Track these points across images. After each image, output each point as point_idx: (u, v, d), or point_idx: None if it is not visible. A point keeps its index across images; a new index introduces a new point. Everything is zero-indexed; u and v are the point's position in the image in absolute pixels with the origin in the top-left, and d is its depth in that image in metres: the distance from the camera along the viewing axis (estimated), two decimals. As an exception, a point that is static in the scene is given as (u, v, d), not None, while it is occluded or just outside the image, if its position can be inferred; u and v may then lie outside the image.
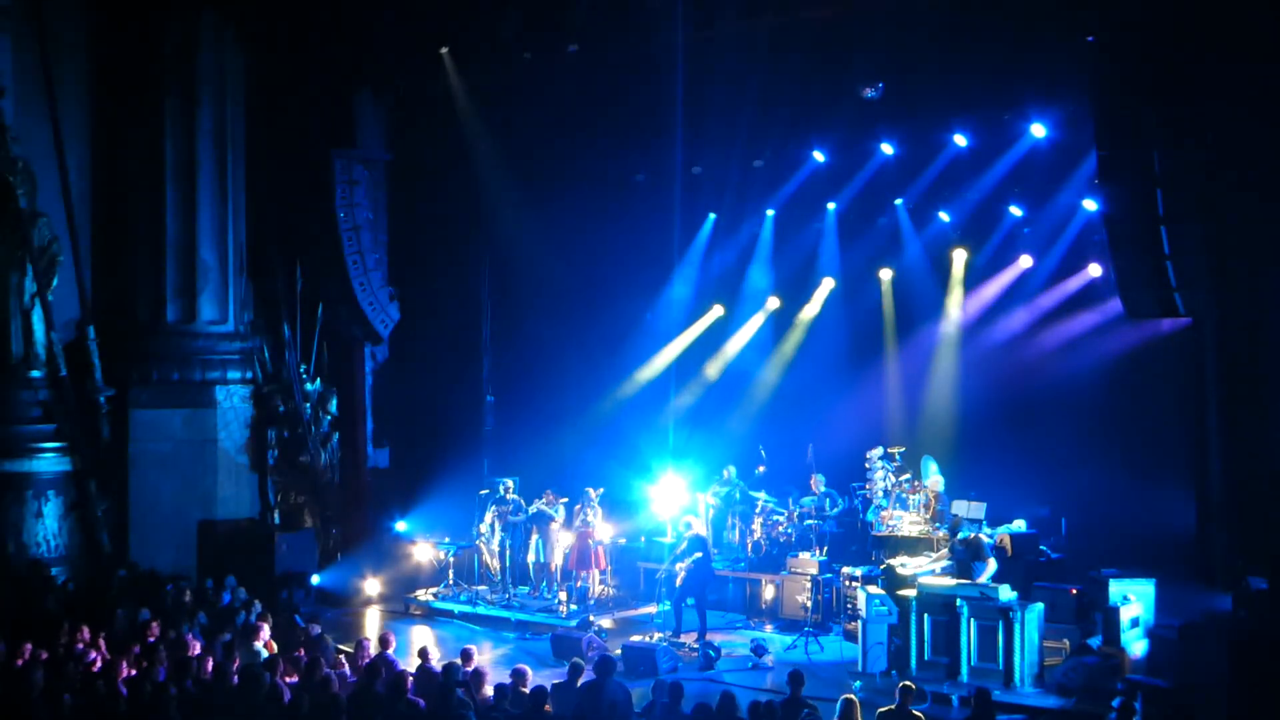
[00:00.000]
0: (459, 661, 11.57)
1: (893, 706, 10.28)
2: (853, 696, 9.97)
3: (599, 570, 17.81)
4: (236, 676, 11.41)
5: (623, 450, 20.04)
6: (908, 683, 10.60)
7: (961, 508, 16.19)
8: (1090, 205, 16.51)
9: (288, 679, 11.54)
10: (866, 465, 17.48)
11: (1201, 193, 13.72)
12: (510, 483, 18.45)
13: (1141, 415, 16.52)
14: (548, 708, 10.46)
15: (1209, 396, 15.14)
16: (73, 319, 18.52)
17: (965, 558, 14.19)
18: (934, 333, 19.10)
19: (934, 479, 16.87)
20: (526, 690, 10.79)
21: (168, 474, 18.71)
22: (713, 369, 21.14)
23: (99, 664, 12.43)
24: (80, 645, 12.95)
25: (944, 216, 18.75)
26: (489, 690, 11.08)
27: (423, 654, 12.15)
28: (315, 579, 18.85)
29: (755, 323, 20.89)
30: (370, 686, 10.88)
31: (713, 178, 19.86)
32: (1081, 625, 14.03)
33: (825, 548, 17.02)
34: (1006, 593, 13.35)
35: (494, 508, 18.29)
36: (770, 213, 20.23)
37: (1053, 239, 17.75)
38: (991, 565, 13.98)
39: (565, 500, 17.87)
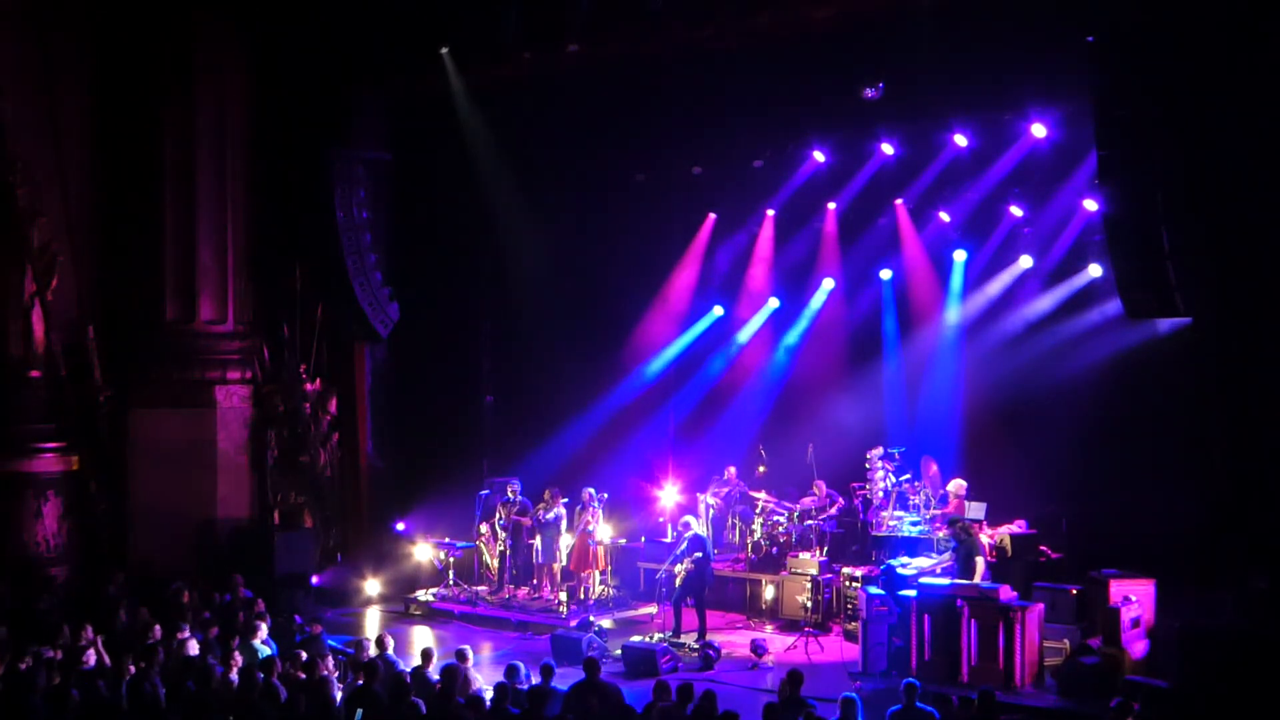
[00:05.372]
0: (460, 663, 11.59)
1: (900, 708, 10.30)
2: (853, 696, 9.97)
3: (598, 571, 17.80)
4: (236, 676, 11.42)
5: (623, 450, 20.03)
6: (911, 681, 10.60)
7: (966, 509, 16.17)
8: (1090, 205, 16.50)
9: (286, 679, 11.52)
10: (866, 465, 17.46)
11: (1201, 193, 13.70)
12: (516, 485, 18.46)
13: (1141, 415, 16.48)
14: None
15: (1209, 396, 15.12)
16: (73, 319, 18.53)
17: (962, 558, 14.20)
18: (934, 333, 19.08)
19: (956, 484, 16.71)
20: (524, 689, 10.80)
21: (168, 474, 18.69)
22: (711, 369, 21.12)
23: (101, 664, 12.43)
24: (83, 645, 12.95)
25: (944, 216, 18.73)
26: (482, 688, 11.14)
27: (425, 655, 12.13)
28: (315, 579, 18.85)
29: (755, 323, 20.87)
30: (368, 687, 10.88)
31: (713, 178, 19.85)
32: (1081, 625, 14.03)
33: (825, 548, 17.02)
34: (1006, 593, 13.35)
35: (502, 508, 18.29)
36: (770, 213, 20.22)
37: (1053, 239, 17.73)
38: (979, 565, 14.01)
39: (565, 500, 17.86)
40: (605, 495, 17.81)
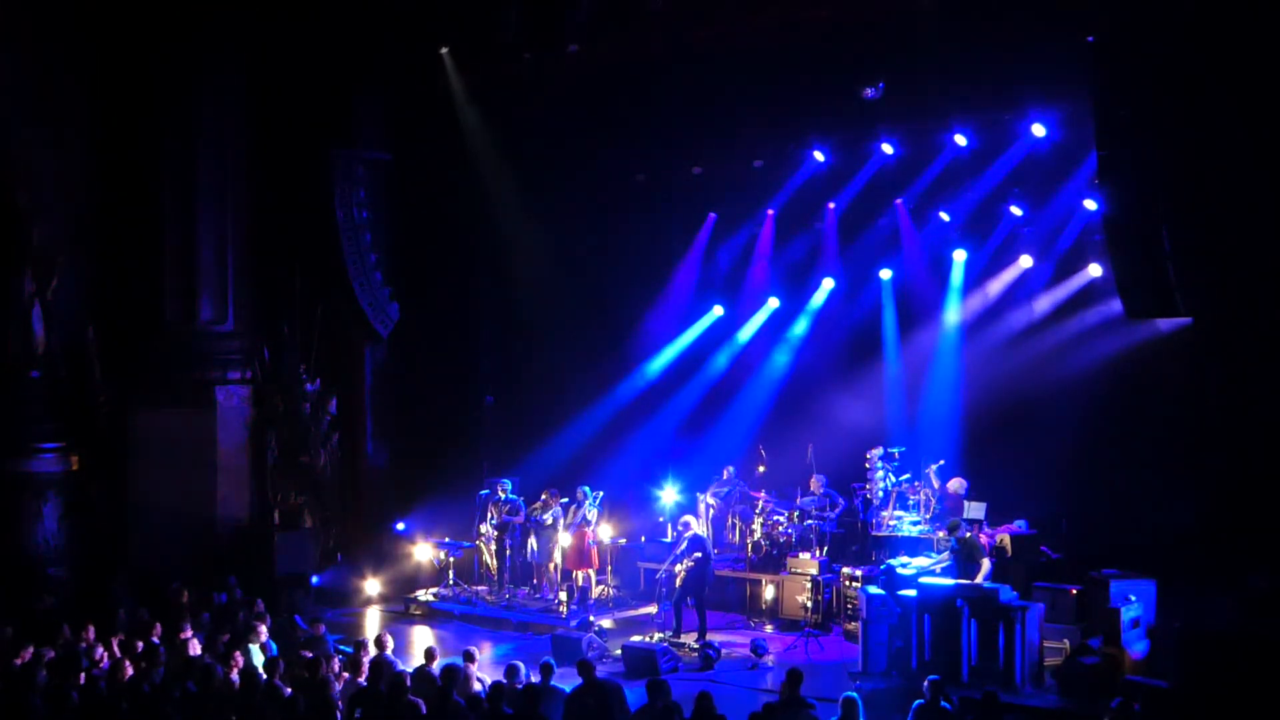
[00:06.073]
0: (460, 663, 11.60)
1: (925, 701, 10.33)
2: (854, 696, 9.96)
3: (594, 570, 17.78)
4: (237, 677, 11.43)
5: (622, 450, 20.02)
6: (935, 678, 10.61)
7: (965, 509, 16.17)
8: (1090, 205, 16.50)
9: (287, 680, 11.53)
10: (866, 465, 17.46)
11: (1201, 193, 13.70)
12: (508, 484, 18.49)
13: (1141, 415, 16.49)
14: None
15: (1209, 396, 15.13)
16: (73, 319, 18.53)
17: (962, 559, 14.18)
18: (934, 333, 19.07)
19: (956, 482, 16.72)
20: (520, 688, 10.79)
21: (168, 474, 18.69)
22: (711, 369, 21.12)
23: (101, 664, 12.44)
24: (83, 645, 12.96)
25: (944, 216, 18.73)
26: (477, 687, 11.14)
27: (428, 654, 12.13)
28: (315, 579, 18.85)
29: (755, 323, 20.88)
30: (373, 687, 10.88)
31: (713, 178, 19.86)
32: (1081, 625, 14.02)
33: (825, 548, 17.02)
34: (1006, 593, 13.35)
35: (493, 507, 18.31)
36: (770, 213, 20.22)
37: (1053, 239, 17.73)
38: (985, 566, 13.98)
39: (564, 500, 17.85)
40: (601, 493, 17.78)
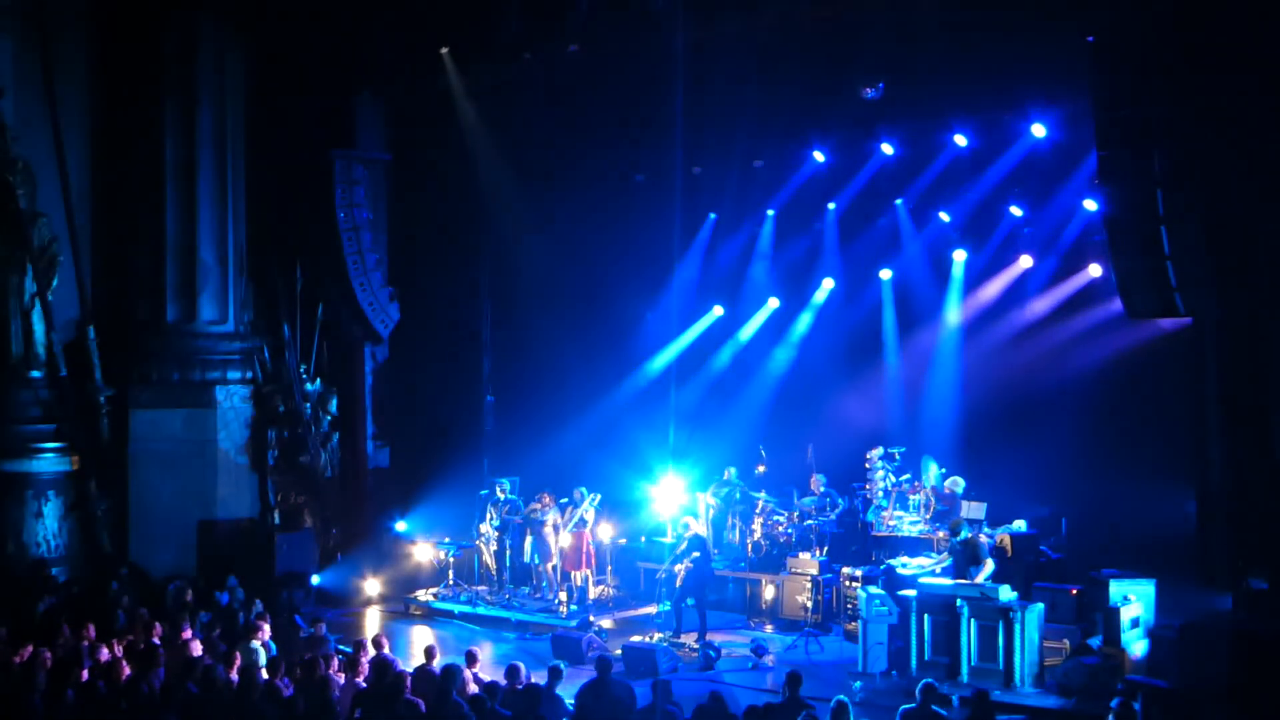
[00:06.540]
0: (461, 663, 11.59)
1: (914, 706, 10.30)
2: (844, 700, 9.93)
3: (592, 571, 17.77)
4: (236, 677, 11.42)
5: (623, 450, 20.01)
6: (930, 681, 10.58)
7: (962, 508, 16.19)
8: (1090, 205, 16.51)
9: (287, 679, 11.52)
10: (866, 465, 17.48)
11: (1201, 193, 13.70)
12: (506, 484, 18.49)
13: (1141, 415, 16.50)
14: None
15: (1209, 396, 15.13)
16: (73, 319, 18.56)
17: (964, 559, 14.18)
18: (934, 333, 19.09)
19: (952, 481, 16.75)
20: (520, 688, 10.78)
21: (168, 474, 18.72)
22: (711, 369, 21.12)
23: (101, 664, 12.43)
24: (83, 645, 12.95)
25: (944, 216, 18.74)
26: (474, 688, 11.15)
27: (428, 652, 12.12)
28: (315, 579, 18.86)
29: (755, 323, 20.88)
30: (375, 687, 10.88)
31: (713, 178, 19.85)
32: (1081, 625, 14.02)
33: (825, 548, 17.02)
34: (1006, 593, 13.35)
35: (491, 508, 18.32)
36: (770, 213, 20.23)
37: (1053, 239, 17.75)
38: (989, 567, 13.97)
39: (564, 500, 17.84)
40: (599, 495, 17.77)
